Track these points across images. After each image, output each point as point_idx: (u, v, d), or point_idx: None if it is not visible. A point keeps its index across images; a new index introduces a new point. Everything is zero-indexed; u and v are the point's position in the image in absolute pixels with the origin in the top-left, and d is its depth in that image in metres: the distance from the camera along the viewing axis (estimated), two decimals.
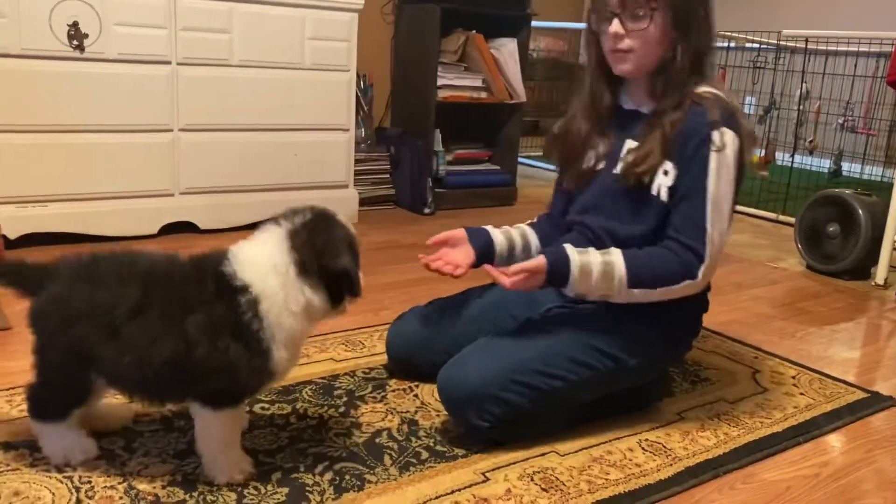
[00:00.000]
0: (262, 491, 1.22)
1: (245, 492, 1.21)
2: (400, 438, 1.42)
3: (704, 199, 1.39)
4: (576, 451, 1.41)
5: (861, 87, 3.92)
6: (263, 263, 1.18)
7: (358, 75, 3.02)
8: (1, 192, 2.19)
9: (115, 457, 1.28)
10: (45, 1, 2.27)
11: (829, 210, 2.78)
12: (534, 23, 3.55)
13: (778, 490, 1.35)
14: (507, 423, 1.38)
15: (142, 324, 1.13)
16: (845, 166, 4.08)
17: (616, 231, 1.48)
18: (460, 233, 1.60)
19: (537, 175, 4.40)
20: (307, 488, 1.24)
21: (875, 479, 1.41)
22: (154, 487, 1.21)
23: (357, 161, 3.08)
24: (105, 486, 1.20)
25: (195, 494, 1.20)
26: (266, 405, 1.50)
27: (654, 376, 1.58)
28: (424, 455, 1.37)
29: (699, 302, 1.55)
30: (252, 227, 1.28)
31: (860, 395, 1.75)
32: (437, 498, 1.24)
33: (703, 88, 1.43)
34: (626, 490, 1.30)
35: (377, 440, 1.40)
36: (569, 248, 1.41)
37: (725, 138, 1.39)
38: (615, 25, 1.42)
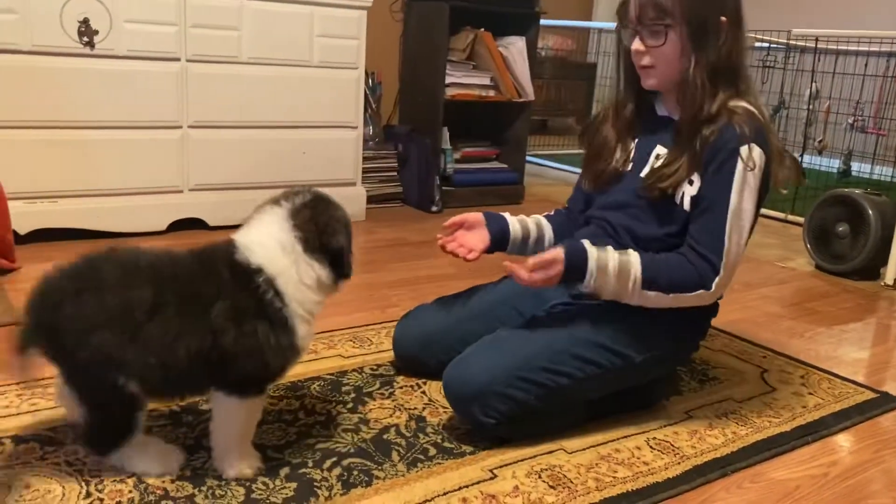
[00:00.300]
0: (271, 486, 1.22)
1: (253, 486, 1.22)
2: (408, 435, 1.42)
3: (726, 212, 1.39)
4: (583, 449, 1.41)
5: (871, 86, 3.90)
6: (270, 244, 1.21)
7: (366, 73, 3.02)
8: (11, 188, 2.20)
9: None
10: None
11: (839, 210, 2.76)
12: (542, 21, 3.54)
13: (786, 489, 1.35)
14: (513, 420, 1.38)
15: (163, 322, 1.13)
16: (855, 166, 4.06)
17: (636, 231, 1.48)
18: (478, 216, 1.61)
19: (545, 174, 4.39)
20: (315, 483, 1.24)
21: (884, 480, 1.41)
22: (163, 481, 1.21)
23: (365, 159, 3.09)
24: (114, 480, 1.20)
25: (203, 489, 1.20)
26: (274, 401, 1.50)
27: (660, 374, 1.58)
28: (432, 451, 1.37)
29: (708, 305, 1.55)
30: None
31: (869, 395, 1.74)
32: (444, 494, 1.24)
33: (737, 102, 1.42)
34: (634, 488, 1.30)
35: (385, 436, 1.41)
36: (586, 242, 1.42)
37: (753, 154, 1.38)
38: (636, 43, 1.44)
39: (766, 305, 2.36)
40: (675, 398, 1.65)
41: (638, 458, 1.40)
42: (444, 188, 3.31)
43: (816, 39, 3.51)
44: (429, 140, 3.25)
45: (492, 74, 3.38)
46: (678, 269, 1.41)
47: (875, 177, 3.97)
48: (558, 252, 1.38)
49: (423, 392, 1.60)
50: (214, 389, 1.20)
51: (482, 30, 3.33)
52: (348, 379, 1.63)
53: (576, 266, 1.38)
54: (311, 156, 2.86)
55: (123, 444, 1.20)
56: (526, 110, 3.53)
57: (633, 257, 1.40)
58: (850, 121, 4.03)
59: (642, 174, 1.50)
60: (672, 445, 1.45)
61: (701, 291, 1.40)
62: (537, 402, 1.38)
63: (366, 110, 3.11)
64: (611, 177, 1.56)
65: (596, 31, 4.95)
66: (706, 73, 1.40)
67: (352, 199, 2.95)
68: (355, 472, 1.28)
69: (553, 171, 4.41)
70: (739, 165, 1.38)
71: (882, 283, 2.62)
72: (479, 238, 1.59)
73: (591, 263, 1.38)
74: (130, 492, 1.18)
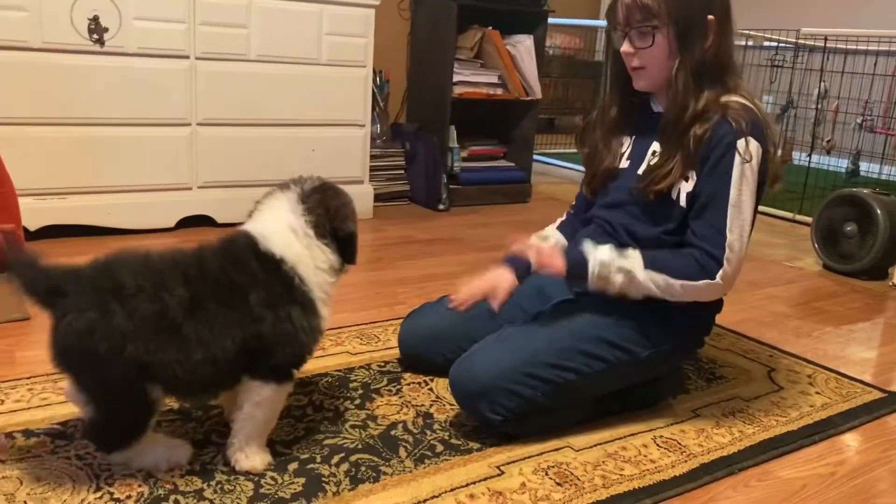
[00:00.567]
0: (279, 481, 1.23)
1: (262, 481, 1.22)
2: (415, 431, 1.43)
3: (726, 206, 1.39)
4: (590, 447, 1.42)
5: (880, 86, 3.89)
6: (284, 231, 1.24)
7: (374, 71, 3.03)
8: (21, 185, 2.21)
9: None
10: None
11: (847, 210, 2.76)
12: (550, 19, 3.54)
13: (793, 488, 1.35)
14: (520, 416, 1.38)
15: (207, 317, 1.14)
16: (863, 166, 4.05)
17: (635, 230, 1.49)
18: (499, 282, 1.49)
19: (552, 172, 4.39)
20: (323, 479, 1.25)
21: (891, 479, 1.41)
22: (172, 476, 1.22)
23: (372, 157, 3.09)
24: (124, 474, 1.21)
25: (212, 483, 1.21)
26: None
27: (666, 370, 1.58)
28: (439, 448, 1.37)
29: (713, 301, 1.55)
30: None
31: (877, 394, 1.74)
32: (452, 490, 1.25)
33: (730, 97, 1.42)
34: (641, 486, 1.30)
35: (392, 432, 1.41)
36: (586, 244, 1.43)
37: (750, 147, 1.38)
38: (625, 45, 1.44)
39: (773, 305, 2.36)
40: (682, 396, 1.65)
41: (645, 456, 1.40)
42: (451, 186, 3.31)
43: (825, 39, 3.49)
44: (436, 138, 3.26)
45: (499, 73, 3.38)
46: (680, 258, 1.40)
47: (884, 177, 3.95)
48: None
49: (431, 389, 1.60)
50: (249, 379, 1.22)
51: (490, 28, 3.33)
52: (356, 375, 1.64)
53: (577, 273, 1.41)
54: (318, 153, 2.87)
55: (132, 444, 1.20)
56: (533, 109, 3.53)
57: (634, 257, 1.40)
58: (859, 120, 4.01)
59: (640, 171, 1.50)
60: (679, 444, 1.45)
61: (707, 281, 1.39)
62: (544, 399, 1.38)
63: (373, 108, 3.11)
64: (607, 176, 1.57)
65: (603, 30, 4.95)
66: (691, 73, 1.40)
67: (359, 197, 2.93)
68: (363, 468, 1.29)
69: (560, 170, 4.41)
70: (737, 159, 1.37)
71: (890, 283, 2.61)
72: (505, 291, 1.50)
73: (592, 268, 1.40)
74: (140, 486, 1.19)
